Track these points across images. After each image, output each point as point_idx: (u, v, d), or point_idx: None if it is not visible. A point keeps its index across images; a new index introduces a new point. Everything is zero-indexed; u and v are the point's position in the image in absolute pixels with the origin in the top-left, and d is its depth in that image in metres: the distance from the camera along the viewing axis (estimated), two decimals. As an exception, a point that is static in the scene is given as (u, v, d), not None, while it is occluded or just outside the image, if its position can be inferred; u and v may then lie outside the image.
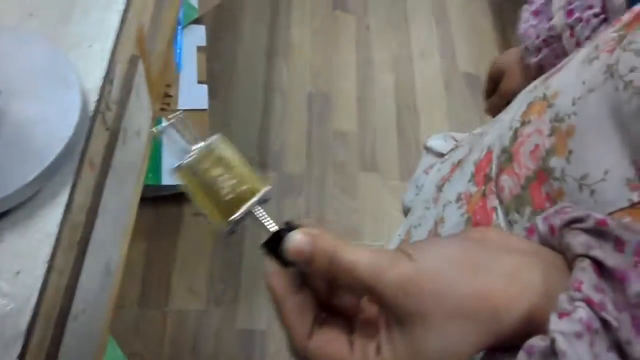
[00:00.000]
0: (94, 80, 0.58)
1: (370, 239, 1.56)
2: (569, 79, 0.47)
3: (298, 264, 0.32)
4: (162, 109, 1.50)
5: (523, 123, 0.50)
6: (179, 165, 0.36)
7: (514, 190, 0.48)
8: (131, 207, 0.75)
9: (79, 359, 0.58)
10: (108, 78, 0.60)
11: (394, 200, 1.62)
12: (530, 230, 0.45)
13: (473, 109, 1.84)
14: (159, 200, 1.50)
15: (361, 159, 1.70)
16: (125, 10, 0.64)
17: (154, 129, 0.34)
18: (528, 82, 0.67)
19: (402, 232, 0.78)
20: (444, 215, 0.63)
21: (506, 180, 0.50)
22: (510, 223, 0.48)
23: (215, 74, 1.77)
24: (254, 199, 0.35)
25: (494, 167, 0.54)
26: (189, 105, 1.57)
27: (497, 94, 0.80)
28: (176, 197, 1.52)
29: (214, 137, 0.37)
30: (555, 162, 0.44)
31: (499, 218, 0.50)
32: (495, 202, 0.51)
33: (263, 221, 0.35)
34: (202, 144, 0.36)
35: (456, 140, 0.92)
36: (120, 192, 0.68)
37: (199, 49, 1.71)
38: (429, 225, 0.68)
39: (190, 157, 0.36)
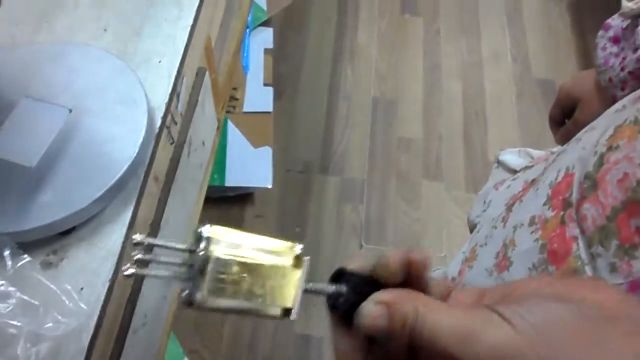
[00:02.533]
0: (161, 95, 0.59)
1: (431, 250, 1.52)
2: None
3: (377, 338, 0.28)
4: (228, 112, 1.52)
5: (610, 148, 0.46)
6: (190, 301, 0.27)
7: (597, 220, 0.45)
8: (192, 218, 0.76)
9: (137, 370, 0.60)
10: (175, 93, 0.61)
11: (457, 210, 1.57)
12: (632, 286, 0.41)
13: (546, 117, 1.75)
14: (223, 201, 1.52)
15: (425, 167, 1.66)
16: (193, 25, 0.64)
17: (124, 272, 0.28)
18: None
19: (467, 250, 0.75)
20: (514, 237, 0.60)
21: (589, 209, 0.46)
22: (592, 256, 0.45)
23: (280, 76, 1.78)
24: (300, 287, 0.29)
25: (574, 192, 0.50)
26: (254, 108, 1.59)
27: (571, 122, 0.75)
28: (239, 198, 1.54)
29: (204, 234, 0.28)
30: None
31: (580, 249, 0.47)
32: (576, 231, 0.48)
33: (319, 290, 0.30)
34: (195, 253, 0.28)
35: (532, 157, 0.87)
36: (183, 203, 0.69)
37: (266, 51, 1.72)
38: (496, 246, 0.64)
39: (194, 281, 0.27)
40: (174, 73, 0.60)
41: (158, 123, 0.57)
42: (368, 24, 1.93)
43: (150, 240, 0.27)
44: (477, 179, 1.64)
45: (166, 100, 0.58)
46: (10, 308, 0.43)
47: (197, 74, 0.70)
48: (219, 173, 1.47)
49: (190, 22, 0.64)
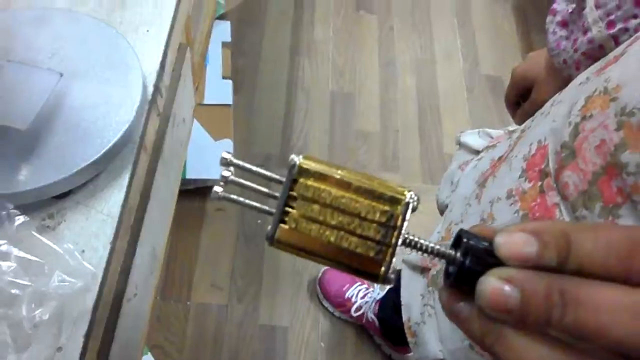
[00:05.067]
0: (151, 63, 0.58)
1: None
2: (631, 71, 0.46)
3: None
4: (188, 103, 1.50)
5: (584, 118, 0.49)
6: (271, 237, 0.25)
7: (579, 186, 0.47)
8: (174, 195, 0.75)
9: (129, 341, 0.58)
10: (164, 61, 0.60)
11: (416, 200, 1.61)
12: None
13: (495, 111, 1.83)
14: (183, 194, 1.49)
15: (383, 160, 1.69)
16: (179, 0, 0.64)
17: (216, 191, 0.26)
18: (561, 89, 0.66)
19: (442, 229, 0.78)
20: (492, 211, 0.62)
21: (570, 177, 0.49)
22: (577, 219, 0.47)
23: (239, 69, 1.77)
24: (403, 228, 0.25)
25: (550, 162, 0.53)
26: (213, 100, 1.57)
27: (528, 103, 0.79)
28: (200, 191, 1.52)
29: (294, 163, 0.26)
30: (628, 156, 0.43)
31: (563, 214, 0.49)
32: (557, 199, 0.50)
33: (425, 247, 0.26)
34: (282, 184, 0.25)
35: (491, 137, 0.91)
36: (167, 178, 0.68)
37: (224, 44, 1.71)
38: (473, 222, 0.67)
39: (278, 212, 0.25)
40: (164, 42, 0.59)
41: (150, 91, 0.56)
42: (324, 19, 1.96)
43: (239, 162, 0.26)
44: (433, 170, 1.69)
45: (157, 67, 0.58)
46: (13, 267, 0.41)
47: (179, 49, 0.70)
48: (180, 165, 1.45)
49: (177, -7, 0.63)
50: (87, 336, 0.43)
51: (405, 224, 0.26)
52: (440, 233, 0.78)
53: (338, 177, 0.26)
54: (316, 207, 0.25)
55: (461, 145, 0.93)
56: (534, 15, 2.07)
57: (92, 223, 0.48)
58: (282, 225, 0.25)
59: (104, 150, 0.49)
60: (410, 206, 0.26)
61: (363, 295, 1.39)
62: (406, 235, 0.26)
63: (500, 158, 0.70)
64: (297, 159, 0.26)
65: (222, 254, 1.47)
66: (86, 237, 0.47)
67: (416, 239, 0.26)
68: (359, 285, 1.41)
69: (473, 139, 0.91)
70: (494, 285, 0.23)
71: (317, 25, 1.94)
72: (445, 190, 0.89)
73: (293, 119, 1.73)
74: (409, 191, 0.26)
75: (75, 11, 0.59)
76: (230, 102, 1.60)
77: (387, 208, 0.25)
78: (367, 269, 0.25)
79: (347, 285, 1.40)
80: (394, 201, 0.25)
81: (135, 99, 0.52)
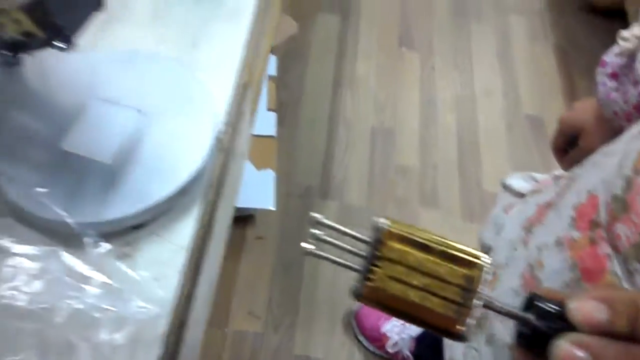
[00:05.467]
0: (220, 103, 0.62)
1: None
2: None
3: None
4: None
5: (637, 172, 0.50)
6: (357, 293, 0.28)
7: (632, 238, 0.48)
8: (229, 225, 0.78)
9: (187, 368, 0.61)
10: (232, 102, 0.64)
11: (454, 238, 1.62)
12: None
13: (535, 150, 1.83)
14: (225, 222, 1.53)
15: (422, 195, 1.71)
16: (248, 41, 0.68)
17: (306, 248, 0.29)
18: (611, 138, 0.67)
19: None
20: (540, 259, 0.63)
21: (622, 229, 0.50)
22: (630, 272, 0.48)
23: (282, 102, 1.82)
24: (479, 293, 0.28)
25: (602, 213, 0.54)
26: (258, 132, 1.62)
27: (577, 150, 0.80)
28: (240, 220, 1.55)
29: (381, 227, 0.28)
30: None
31: (614, 266, 0.50)
32: (608, 249, 0.51)
33: (503, 310, 0.28)
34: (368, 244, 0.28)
35: (537, 181, 0.92)
36: (225, 209, 0.72)
37: (270, 77, 1.76)
38: (519, 267, 0.68)
39: (364, 270, 0.28)
40: (232, 81, 0.63)
41: (220, 129, 0.60)
42: (367, 55, 2.00)
43: (329, 222, 0.29)
44: (472, 207, 1.69)
45: (226, 107, 0.61)
46: (96, 292, 0.45)
47: (242, 87, 0.74)
48: (223, 193, 1.48)
49: (246, 37, 0.67)
50: (160, 361, 0.46)
51: (483, 287, 0.28)
52: None
53: (421, 240, 0.29)
54: (400, 268, 0.28)
55: (506, 187, 0.94)
56: (575, 55, 2.08)
57: (165, 253, 0.51)
58: (367, 282, 0.28)
59: (179, 186, 0.52)
60: (489, 271, 0.29)
61: (399, 331, 1.39)
62: (483, 297, 0.28)
63: (547, 204, 0.71)
64: (382, 222, 0.29)
65: (260, 282, 1.50)
66: (159, 266, 0.50)
67: (492, 301, 0.29)
68: (395, 320, 1.41)
69: (518, 182, 0.92)
70: (566, 349, 0.25)
71: (360, 61, 1.99)
72: (488, 232, 0.90)
73: (334, 152, 1.76)
74: (485, 254, 0.29)
75: (154, 51, 0.64)
76: (275, 134, 1.64)
77: (466, 272, 0.28)
78: (446, 327, 0.28)
79: (383, 319, 1.41)
80: (472, 265, 0.29)
81: (207, 137, 0.56)
